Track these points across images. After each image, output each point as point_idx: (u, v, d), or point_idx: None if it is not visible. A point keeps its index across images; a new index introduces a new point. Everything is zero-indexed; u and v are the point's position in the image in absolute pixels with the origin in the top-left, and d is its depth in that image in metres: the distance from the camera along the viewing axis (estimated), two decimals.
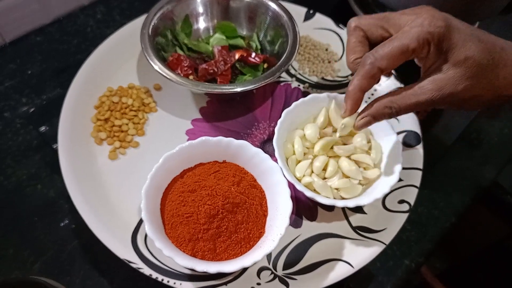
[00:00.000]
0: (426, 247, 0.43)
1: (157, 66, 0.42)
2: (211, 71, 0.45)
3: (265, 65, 0.47)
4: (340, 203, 0.37)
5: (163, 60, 0.44)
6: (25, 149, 0.45)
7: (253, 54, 0.47)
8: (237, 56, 0.46)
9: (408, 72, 0.50)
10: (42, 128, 0.46)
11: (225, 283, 0.36)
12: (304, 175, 0.39)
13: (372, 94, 0.50)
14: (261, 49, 0.50)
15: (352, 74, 0.51)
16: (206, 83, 0.42)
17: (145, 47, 0.43)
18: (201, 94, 0.47)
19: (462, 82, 0.32)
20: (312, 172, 0.39)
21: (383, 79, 0.50)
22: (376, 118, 0.35)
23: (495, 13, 0.52)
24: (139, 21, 0.50)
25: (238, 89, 0.41)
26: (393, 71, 0.50)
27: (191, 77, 0.45)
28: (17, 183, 0.43)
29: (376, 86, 0.50)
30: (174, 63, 0.45)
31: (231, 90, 0.41)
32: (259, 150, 0.38)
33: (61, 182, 0.42)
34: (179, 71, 0.45)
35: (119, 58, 0.49)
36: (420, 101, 0.33)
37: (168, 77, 0.41)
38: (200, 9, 0.49)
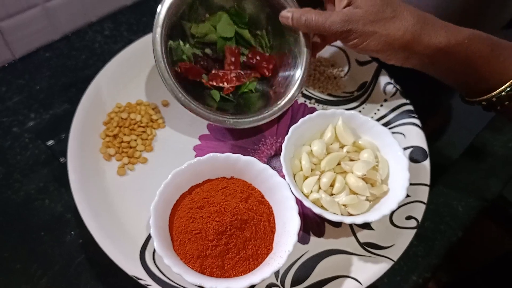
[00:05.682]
0: (433, 262, 0.43)
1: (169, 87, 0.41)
2: (221, 83, 0.46)
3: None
4: (348, 220, 0.37)
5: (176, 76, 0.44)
6: (33, 163, 0.45)
7: (264, 63, 0.47)
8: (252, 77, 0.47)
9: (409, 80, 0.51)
10: (50, 143, 0.47)
11: None
12: (311, 191, 0.39)
13: (379, 110, 0.50)
14: (270, 46, 0.49)
15: (357, 90, 0.52)
16: (217, 115, 0.43)
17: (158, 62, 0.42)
18: None
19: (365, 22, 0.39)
20: (320, 188, 0.40)
21: (388, 95, 0.50)
22: (294, 24, 0.43)
23: (496, 29, 0.53)
24: (147, 38, 0.50)
25: (246, 126, 0.43)
26: (398, 87, 0.50)
27: (204, 77, 0.46)
28: (26, 197, 0.43)
29: (382, 101, 0.50)
30: (185, 70, 0.45)
31: (240, 127, 0.43)
32: (267, 166, 0.38)
33: (68, 196, 0.42)
34: (190, 77, 0.45)
35: (127, 75, 0.49)
36: (330, 21, 0.40)
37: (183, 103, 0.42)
38: None
